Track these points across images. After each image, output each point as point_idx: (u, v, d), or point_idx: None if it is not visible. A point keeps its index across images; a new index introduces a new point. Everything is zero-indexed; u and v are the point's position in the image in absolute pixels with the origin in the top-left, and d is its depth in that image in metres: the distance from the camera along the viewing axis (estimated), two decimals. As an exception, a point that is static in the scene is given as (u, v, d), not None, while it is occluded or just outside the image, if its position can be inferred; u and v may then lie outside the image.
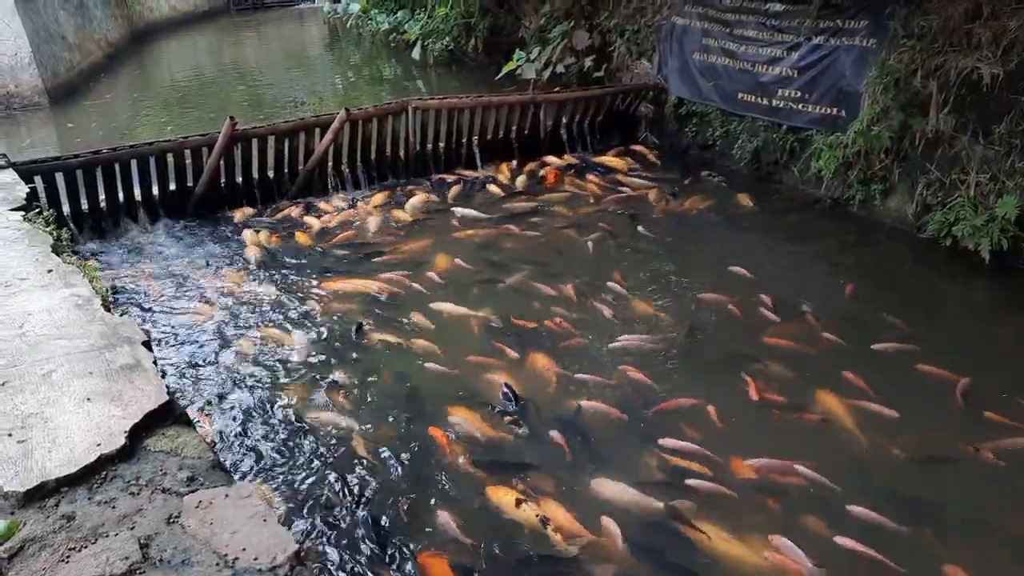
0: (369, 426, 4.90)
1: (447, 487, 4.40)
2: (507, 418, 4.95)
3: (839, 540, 3.97)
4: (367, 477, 4.47)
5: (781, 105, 8.50)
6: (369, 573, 3.83)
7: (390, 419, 4.98)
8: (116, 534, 2.34)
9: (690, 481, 4.41)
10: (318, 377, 5.42)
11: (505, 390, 5.11)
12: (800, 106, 8.29)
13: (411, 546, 3.96)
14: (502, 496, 4.26)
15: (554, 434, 4.78)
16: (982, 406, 4.92)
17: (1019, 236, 6.40)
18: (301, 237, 7.69)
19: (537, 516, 4.09)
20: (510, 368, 5.46)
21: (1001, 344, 5.77)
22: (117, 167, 7.58)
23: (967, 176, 6.78)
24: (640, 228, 7.64)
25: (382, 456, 4.63)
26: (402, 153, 9.10)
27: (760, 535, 4.02)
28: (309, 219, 8.06)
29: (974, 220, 6.58)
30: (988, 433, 4.70)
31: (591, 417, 4.97)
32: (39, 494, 2.50)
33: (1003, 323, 6.10)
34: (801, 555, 3.87)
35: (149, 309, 6.36)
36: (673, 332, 5.88)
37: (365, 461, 4.59)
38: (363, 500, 4.27)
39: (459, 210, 8.25)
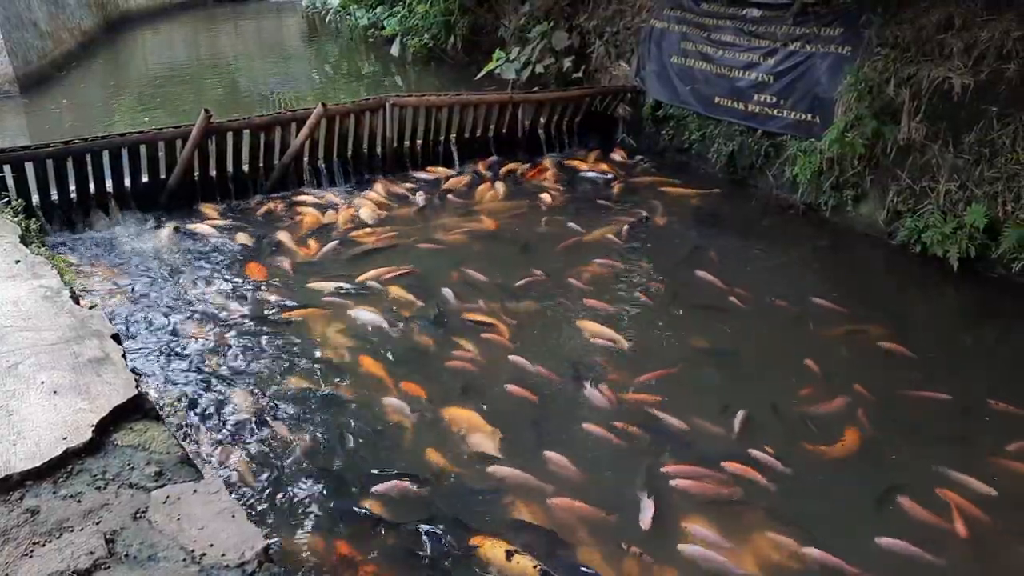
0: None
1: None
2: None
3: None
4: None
5: (757, 110, 8.57)
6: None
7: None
8: (81, 528, 2.31)
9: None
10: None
11: None
12: (775, 111, 8.36)
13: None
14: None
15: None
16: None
17: (987, 244, 6.51)
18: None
19: None
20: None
21: (969, 349, 5.87)
22: (89, 158, 7.46)
23: (937, 184, 6.88)
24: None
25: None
26: (379, 150, 9.05)
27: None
28: (304, 208, 8.06)
29: (943, 228, 6.68)
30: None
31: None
32: (3, 487, 2.46)
33: (970, 329, 6.21)
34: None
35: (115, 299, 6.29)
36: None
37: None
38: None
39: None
